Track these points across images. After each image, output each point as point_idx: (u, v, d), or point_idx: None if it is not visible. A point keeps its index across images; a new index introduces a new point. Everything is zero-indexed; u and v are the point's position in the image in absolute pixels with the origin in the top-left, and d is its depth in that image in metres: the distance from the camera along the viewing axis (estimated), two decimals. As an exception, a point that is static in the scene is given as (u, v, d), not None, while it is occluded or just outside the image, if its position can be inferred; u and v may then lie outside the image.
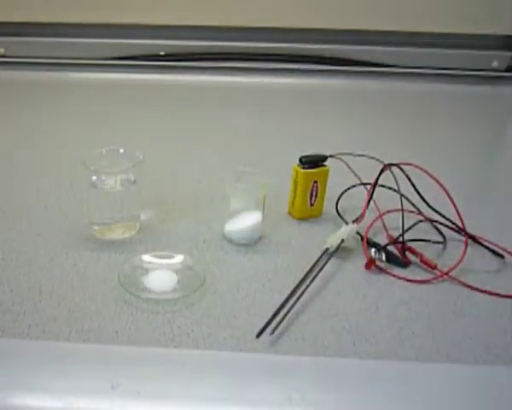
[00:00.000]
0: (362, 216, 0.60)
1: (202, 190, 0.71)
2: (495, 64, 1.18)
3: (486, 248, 0.60)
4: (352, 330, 0.47)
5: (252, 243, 0.60)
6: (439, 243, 0.61)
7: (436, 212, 0.61)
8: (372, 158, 0.64)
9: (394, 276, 0.55)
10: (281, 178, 0.62)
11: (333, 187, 0.65)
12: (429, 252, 0.58)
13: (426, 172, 0.56)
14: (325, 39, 1.18)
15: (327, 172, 0.64)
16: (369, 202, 0.61)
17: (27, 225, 0.61)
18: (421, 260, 0.57)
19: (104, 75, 1.17)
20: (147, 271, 0.53)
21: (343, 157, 0.64)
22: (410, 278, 0.55)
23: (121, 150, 0.61)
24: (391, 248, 0.59)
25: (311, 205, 0.65)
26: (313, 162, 0.63)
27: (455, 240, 0.61)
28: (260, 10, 1.17)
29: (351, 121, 0.98)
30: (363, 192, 0.64)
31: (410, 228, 0.61)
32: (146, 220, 0.63)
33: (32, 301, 0.49)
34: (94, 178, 0.58)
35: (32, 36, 1.20)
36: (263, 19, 1.17)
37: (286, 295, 0.50)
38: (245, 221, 0.59)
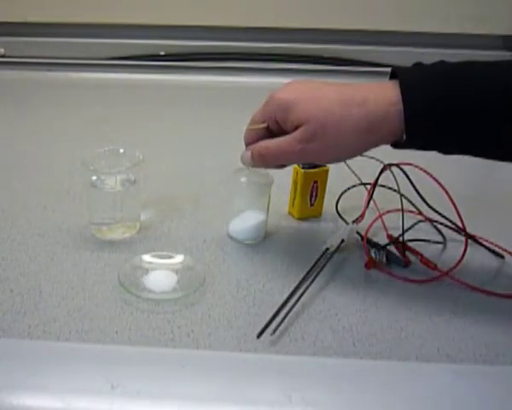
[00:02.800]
0: (362, 216, 0.60)
1: (202, 190, 0.71)
2: (495, 64, 1.18)
3: (486, 248, 0.60)
4: (352, 330, 0.47)
5: (257, 242, 0.60)
6: (439, 243, 0.61)
7: (436, 212, 0.61)
8: (372, 158, 0.64)
9: (394, 276, 0.55)
10: (281, 178, 0.62)
11: (333, 187, 0.65)
12: (429, 252, 0.58)
13: (426, 172, 0.56)
14: (325, 39, 1.18)
15: (327, 172, 0.64)
16: (369, 202, 0.61)
17: (27, 225, 0.61)
18: (421, 260, 0.57)
19: (104, 75, 1.17)
20: (147, 271, 0.53)
21: (343, 157, 0.64)
22: (410, 278, 0.55)
23: (121, 150, 0.61)
24: (391, 248, 0.59)
25: (311, 205, 0.65)
26: (313, 162, 0.63)
27: (455, 240, 0.61)
28: (260, 10, 1.17)
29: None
30: (363, 192, 0.64)
31: (410, 228, 0.61)
32: (146, 220, 0.63)
33: (32, 301, 0.49)
34: (94, 178, 0.58)
35: (32, 36, 1.19)
36: (263, 19, 1.17)
37: (286, 296, 0.50)
38: (250, 220, 0.59)
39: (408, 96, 0.45)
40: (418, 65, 0.48)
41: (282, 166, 0.55)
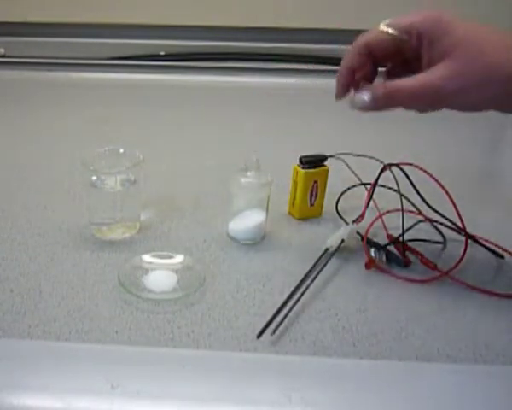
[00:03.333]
0: (362, 216, 0.60)
1: (202, 190, 0.71)
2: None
3: (486, 248, 0.60)
4: (352, 330, 0.47)
5: (256, 242, 0.60)
6: (439, 243, 0.61)
7: (436, 212, 0.61)
8: (372, 158, 0.64)
9: (394, 276, 0.55)
10: (281, 178, 0.62)
11: (333, 187, 0.65)
12: (429, 252, 0.58)
13: (426, 172, 0.56)
14: (325, 39, 1.18)
15: (327, 172, 0.64)
16: (369, 202, 0.61)
17: (27, 225, 0.61)
18: (421, 260, 0.57)
19: (104, 75, 1.17)
20: (147, 271, 0.53)
21: (343, 157, 0.64)
22: (410, 277, 0.55)
23: (121, 150, 0.61)
24: (391, 248, 0.59)
25: (311, 205, 0.65)
26: (313, 162, 0.63)
27: (455, 240, 0.61)
28: (260, 10, 1.17)
29: (350, 121, 0.98)
30: (363, 192, 0.64)
31: (410, 228, 0.61)
32: (146, 220, 0.63)
33: (32, 301, 0.49)
34: (94, 178, 0.58)
35: (32, 36, 1.20)
36: (263, 19, 1.17)
37: (286, 296, 0.50)
38: (250, 220, 0.59)
39: None
40: None
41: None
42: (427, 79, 0.43)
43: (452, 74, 0.42)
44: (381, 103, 0.46)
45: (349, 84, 0.48)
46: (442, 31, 0.43)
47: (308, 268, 0.54)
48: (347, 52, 0.48)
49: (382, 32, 0.45)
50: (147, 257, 0.55)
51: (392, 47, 0.46)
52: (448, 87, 0.42)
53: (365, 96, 0.46)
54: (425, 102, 0.45)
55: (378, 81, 0.47)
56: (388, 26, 0.45)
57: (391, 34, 0.45)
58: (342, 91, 0.49)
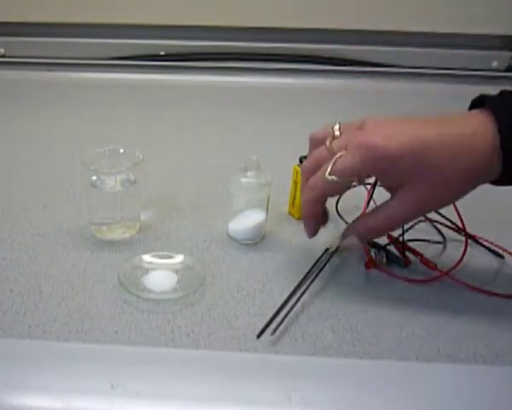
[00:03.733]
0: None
1: (202, 190, 0.71)
2: (495, 64, 1.18)
3: (486, 248, 0.60)
4: (352, 330, 0.47)
5: (256, 242, 0.60)
6: (439, 243, 0.61)
7: (436, 212, 0.61)
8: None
9: (394, 276, 0.55)
10: (281, 178, 0.62)
11: (333, 187, 0.65)
12: (429, 252, 0.58)
13: (426, 172, 0.56)
14: (325, 39, 1.18)
15: (327, 172, 0.64)
16: (368, 201, 0.61)
17: (27, 225, 0.61)
18: (421, 260, 0.57)
19: (104, 75, 1.17)
20: (147, 271, 0.53)
21: (343, 157, 0.64)
22: (410, 277, 0.55)
23: (121, 150, 0.61)
24: (391, 248, 0.59)
25: (311, 205, 0.65)
26: (313, 162, 0.63)
27: (455, 240, 0.61)
28: (260, 10, 1.17)
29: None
30: (363, 192, 0.63)
31: (410, 228, 0.61)
32: (146, 220, 0.63)
33: (32, 301, 0.49)
34: (94, 178, 0.58)
35: (32, 36, 1.19)
36: (263, 19, 1.17)
37: (286, 296, 0.50)
38: (250, 220, 0.59)
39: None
40: (506, 94, 0.46)
41: None
42: (399, 210, 0.48)
43: (420, 197, 0.46)
44: (368, 239, 0.54)
45: (317, 226, 0.54)
46: (388, 162, 0.44)
47: (308, 268, 0.54)
48: (306, 203, 0.51)
49: (331, 181, 0.46)
50: (147, 257, 0.55)
51: (346, 187, 0.50)
52: (423, 207, 0.48)
53: (353, 241, 0.52)
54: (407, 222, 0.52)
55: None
56: (333, 174, 0.46)
57: (340, 182, 0.47)
58: (313, 234, 0.54)
